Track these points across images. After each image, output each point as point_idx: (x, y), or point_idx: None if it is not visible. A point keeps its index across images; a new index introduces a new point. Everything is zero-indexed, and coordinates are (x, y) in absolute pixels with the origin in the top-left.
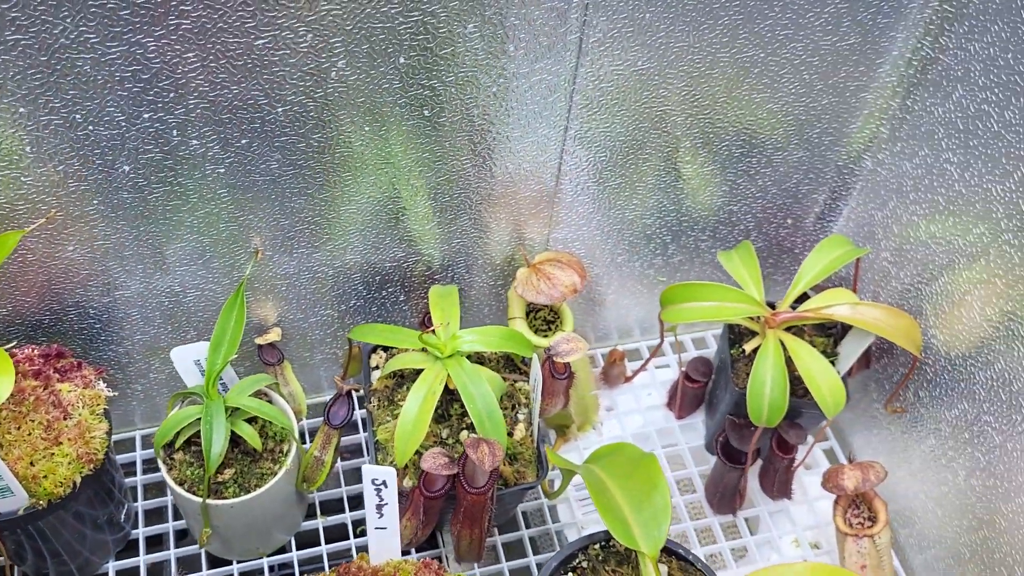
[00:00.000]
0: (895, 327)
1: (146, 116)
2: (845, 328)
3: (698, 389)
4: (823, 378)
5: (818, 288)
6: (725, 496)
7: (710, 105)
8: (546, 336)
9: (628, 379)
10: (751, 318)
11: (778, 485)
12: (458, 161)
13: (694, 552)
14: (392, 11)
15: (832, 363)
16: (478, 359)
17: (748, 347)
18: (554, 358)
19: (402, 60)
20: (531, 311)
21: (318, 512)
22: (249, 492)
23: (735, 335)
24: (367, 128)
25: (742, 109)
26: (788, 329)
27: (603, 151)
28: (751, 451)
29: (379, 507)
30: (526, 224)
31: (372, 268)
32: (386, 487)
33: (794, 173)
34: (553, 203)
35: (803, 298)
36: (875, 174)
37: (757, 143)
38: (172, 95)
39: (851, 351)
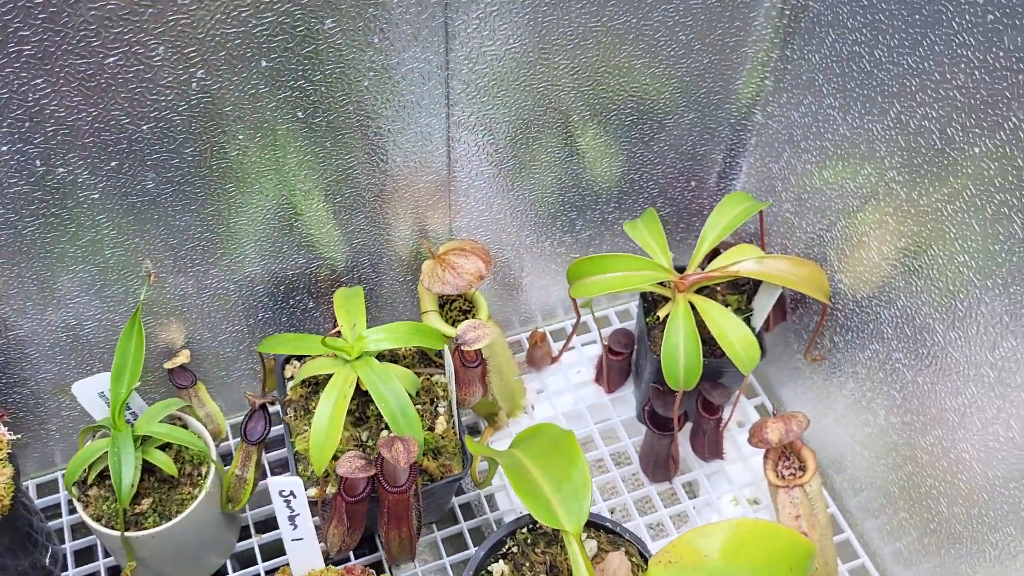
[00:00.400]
0: (800, 276)
1: (4, 148)
2: (756, 283)
3: (622, 361)
4: (735, 335)
5: (728, 246)
6: (659, 464)
7: (591, 76)
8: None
9: (554, 359)
10: (662, 284)
11: (709, 446)
12: (343, 159)
13: (633, 522)
14: (243, 14)
15: (748, 319)
16: (391, 357)
17: (662, 313)
18: (462, 347)
19: (264, 63)
20: (445, 303)
21: (252, 531)
22: (170, 520)
23: (649, 303)
24: (240, 136)
25: (624, 76)
26: (700, 291)
27: (491, 134)
28: (676, 416)
29: (291, 519)
30: (426, 216)
31: (275, 278)
32: (295, 497)
33: (688, 135)
34: (450, 192)
35: (715, 256)
36: (766, 127)
37: (647, 109)
38: (28, 124)
39: (764, 305)
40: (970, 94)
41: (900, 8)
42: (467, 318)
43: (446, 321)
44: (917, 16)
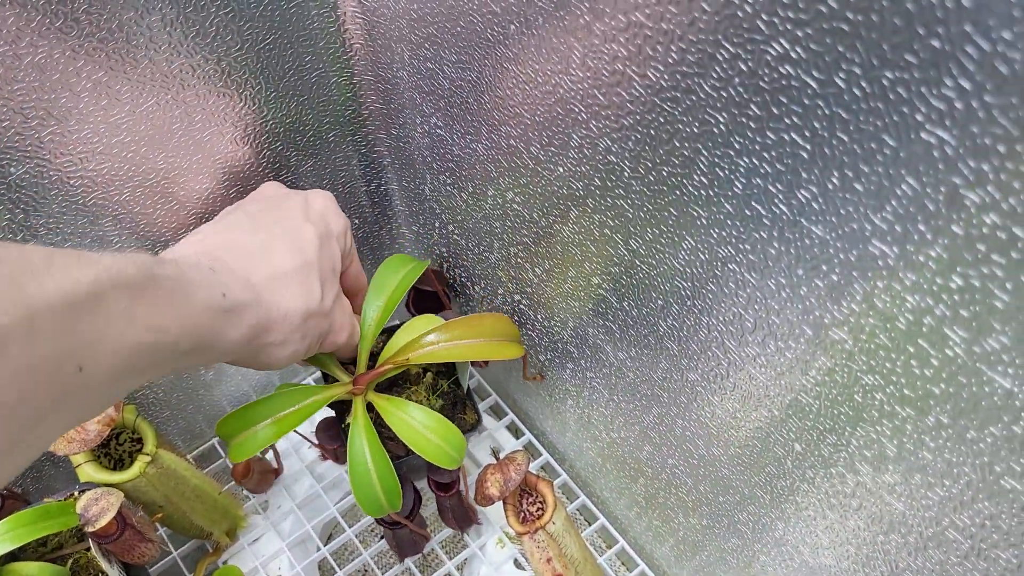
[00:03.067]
0: (482, 334)
1: None
2: None
3: (338, 449)
4: (428, 427)
5: (422, 295)
6: (405, 546)
7: None
8: (124, 466)
9: (277, 473)
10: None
11: (458, 518)
12: None
13: None
14: None
15: (458, 380)
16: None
17: (349, 420)
18: (87, 530)
19: None
20: (110, 439)
21: None
22: None
23: (338, 407)
24: None
25: None
26: (394, 379)
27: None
28: (400, 520)
29: None
30: None
31: None
32: None
33: (320, 184)
34: None
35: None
36: (399, 151)
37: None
38: None
39: (463, 364)
40: (532, 111)
41: (444, 20)
42: (141, 448)
43: (113, 460)
44: (459, 27)
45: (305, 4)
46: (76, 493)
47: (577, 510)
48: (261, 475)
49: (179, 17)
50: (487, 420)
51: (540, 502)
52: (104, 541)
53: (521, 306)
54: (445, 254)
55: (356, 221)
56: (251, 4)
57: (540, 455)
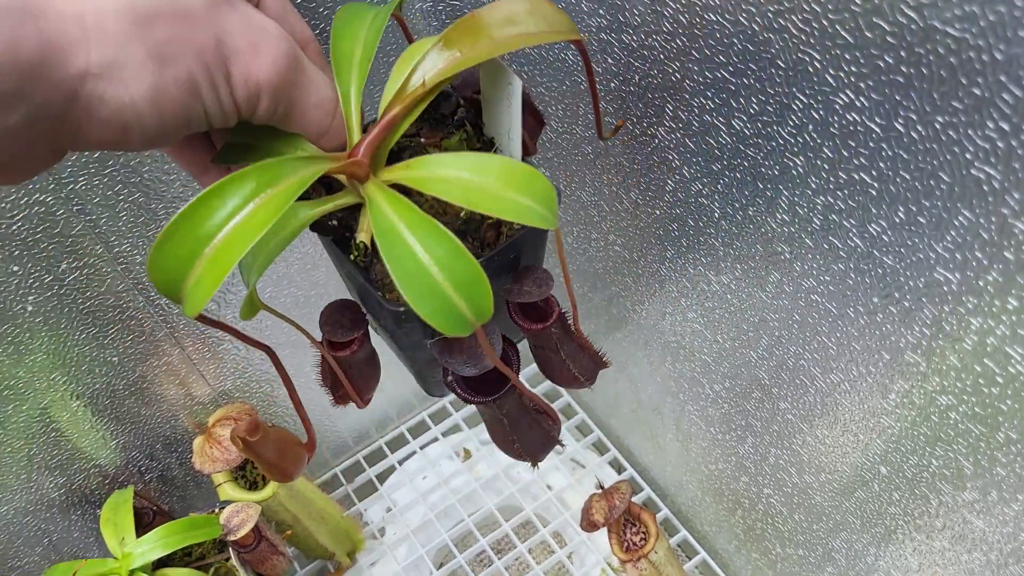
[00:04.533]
0: (525, 17)
1: None
2: (473, 101)
3: (358, 351)
4: (492, 172)
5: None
6: (533, 438)
7: None
8: (259, 488)
9: (310, 448)
10: (326, 186)
11: (578, 366)
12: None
13: None
14: None
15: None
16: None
17: (362, 236)
18: (228, 539)
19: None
20: (246, 463)
21: None
22: None
23: (337, 235)
24: None
25: None
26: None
27: None
28: (490, 353)
29: None
30: (188, 388)
31: (35, 507)
32: None
33: None
34: (192, 361)
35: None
36: None
37: None
38: None
39: (501, 115)
40: (631, 159)
41: (551, 80)
42: None
43: (248, 482)
44: (564, 86)
45: None
46: (218, 508)
47: (678, 545)
48: (279, 445)
49: None
50: (589, 456)
51: (643, 532)
52: (243, 550)
53: (623, 344)
54: None
55: None
56: None
57: (641, 490)
